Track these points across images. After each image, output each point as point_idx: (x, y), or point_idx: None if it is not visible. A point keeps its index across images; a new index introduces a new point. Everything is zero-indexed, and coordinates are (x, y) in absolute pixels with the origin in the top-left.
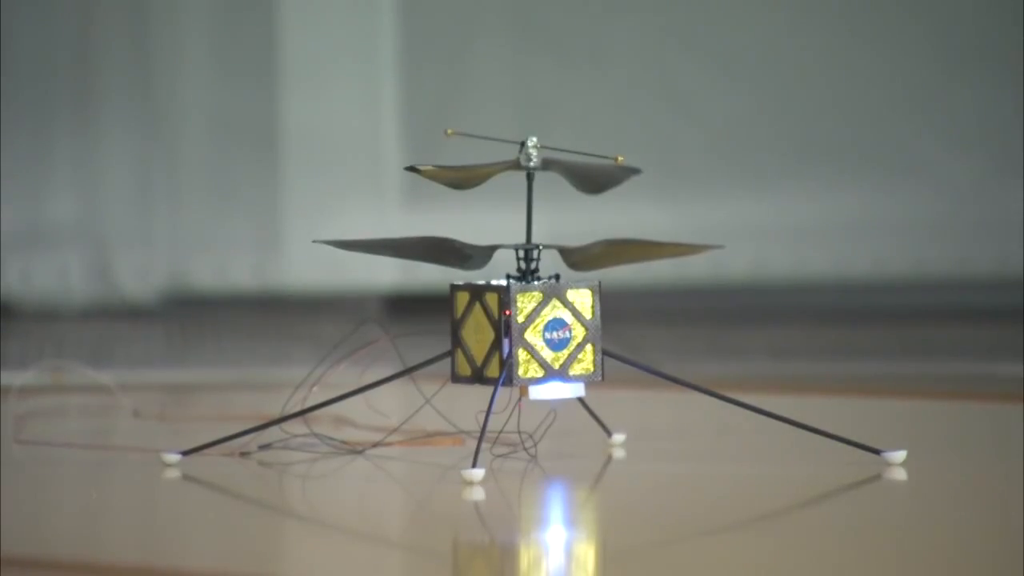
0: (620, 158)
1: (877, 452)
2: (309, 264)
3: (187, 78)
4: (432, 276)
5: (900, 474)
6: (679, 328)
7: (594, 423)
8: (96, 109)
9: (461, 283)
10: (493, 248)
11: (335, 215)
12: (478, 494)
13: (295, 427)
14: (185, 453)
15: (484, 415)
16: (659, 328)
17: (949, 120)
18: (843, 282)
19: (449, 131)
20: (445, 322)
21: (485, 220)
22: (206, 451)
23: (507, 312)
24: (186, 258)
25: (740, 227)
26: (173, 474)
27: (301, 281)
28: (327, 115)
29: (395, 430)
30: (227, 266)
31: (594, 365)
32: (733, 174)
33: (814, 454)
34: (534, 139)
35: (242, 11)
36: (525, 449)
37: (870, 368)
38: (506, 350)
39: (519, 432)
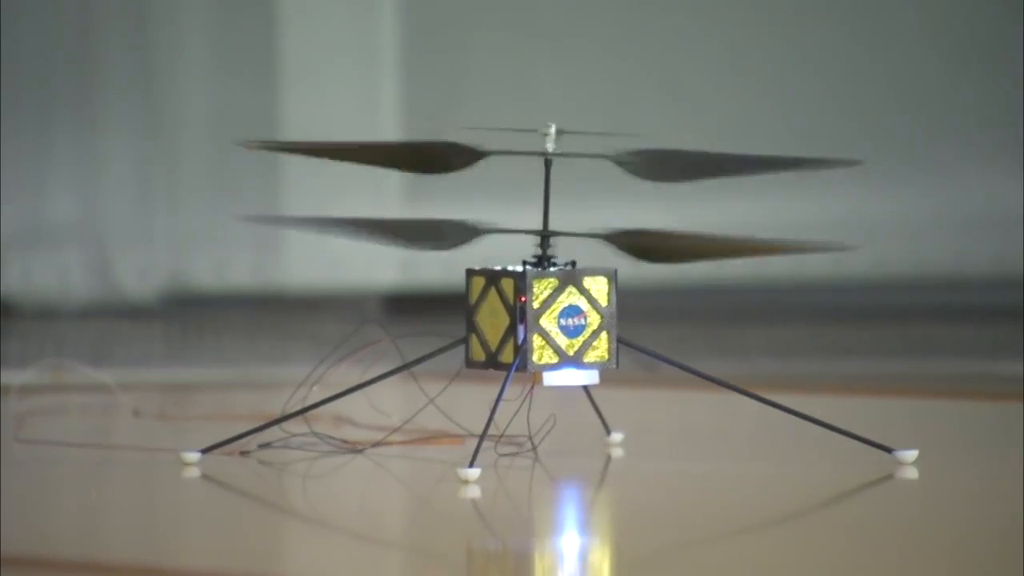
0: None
1: (889, 451)
2: (308, 263)
3: (187, 77)
4: (432, 275)
5: (911, 473)
6: (679, 327)
7: (593, 420)
8: (96, 109)
9: (477, 268)
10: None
11: (335, 214)
12: (474, 492)
13: (295, 426)
14: (205, 451)
15: (492, 404)
16: (659, 327)
17: (949, 118)
18: (843, 281)
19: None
20: (446, 322)
21: (486, 217)
22: (214, 450)
23: (523, 298)
24: (186, 257)
25: (740, 226)
26: (178, 472)
27: (301, 280)
28: (327, 114)
29: (397, 429)
30: (227, 265)
31: (609, 353)
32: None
33: (820, 453)
34: (552, 126)
35: (242, 11)
36: (533, 447)
37: (870, 367)
38: (521, 336)
39: (527, 424)
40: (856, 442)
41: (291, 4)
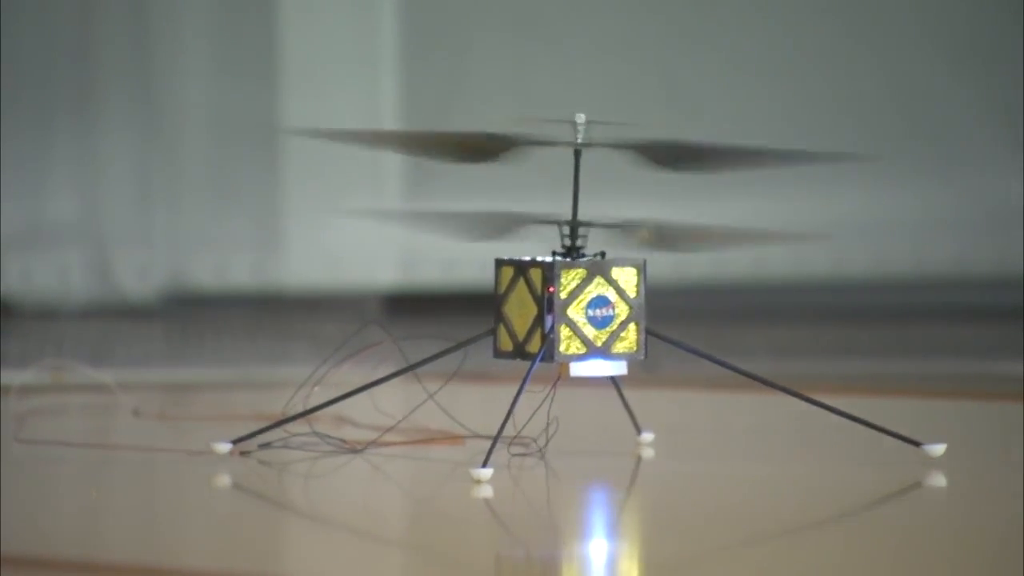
0: None
1: (917, 444)
2: (309, 263)
3: (187, 77)
4: (433, 275)
5: (937, 477)
6: (679, 327)
7: (599, 420)
8: (96, 109)
9: (506, 258)
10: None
11: (335, 214)
12: (486, 492)
13: (295, 426)
14: (235, 442)
15: (510, 404)
16: (659, 327)
17: (949, 118)
18: (843, 281)
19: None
20: (447, 323)
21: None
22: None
23: (551, 288)
24: (186, 257)
25: (740, 224)
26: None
27: (301, 280)
28: (327, 114)
29: (391, 428)
30: (227, 265)
31: (637, 344)
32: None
33: (828, 452)
34: (582, 116)
35: (242, 11)
36: (540, 448)
37: (870, 367)
38: (548, 326)
39: (547, 418)
40: (874, 439)
41: (291, 4)
